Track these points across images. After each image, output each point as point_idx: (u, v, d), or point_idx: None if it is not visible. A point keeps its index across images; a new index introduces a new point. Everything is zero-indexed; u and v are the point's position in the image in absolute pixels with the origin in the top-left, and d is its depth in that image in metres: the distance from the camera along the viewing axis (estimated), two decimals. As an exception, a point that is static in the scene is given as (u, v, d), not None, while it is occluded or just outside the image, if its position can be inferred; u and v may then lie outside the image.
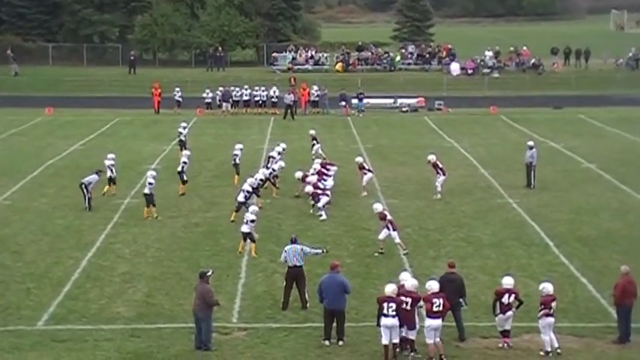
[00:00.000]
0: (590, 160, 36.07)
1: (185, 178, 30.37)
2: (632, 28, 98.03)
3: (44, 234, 25.58)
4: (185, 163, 30.61)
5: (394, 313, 16.73)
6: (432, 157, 29.71)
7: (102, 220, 26.76)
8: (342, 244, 24.35)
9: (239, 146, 32.40)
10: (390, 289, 16.98)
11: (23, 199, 29.93)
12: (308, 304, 19.36)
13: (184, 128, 37.54)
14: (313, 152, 35.42)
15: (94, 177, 28.52)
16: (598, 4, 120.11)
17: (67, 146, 39.81)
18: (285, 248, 19.83)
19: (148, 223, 26.48)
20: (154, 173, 28.03)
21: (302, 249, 19.74)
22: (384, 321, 16.81)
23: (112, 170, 29.85)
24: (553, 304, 17.14)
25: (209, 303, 17.43)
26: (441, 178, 29.31)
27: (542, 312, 17.08)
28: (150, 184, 27.11)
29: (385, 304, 16.79)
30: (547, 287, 17.32)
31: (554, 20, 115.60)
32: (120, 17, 72.01)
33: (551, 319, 17.10)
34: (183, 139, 36.90)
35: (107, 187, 29.74)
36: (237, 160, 31.65)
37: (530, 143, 31.95)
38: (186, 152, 32.17)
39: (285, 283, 19.62)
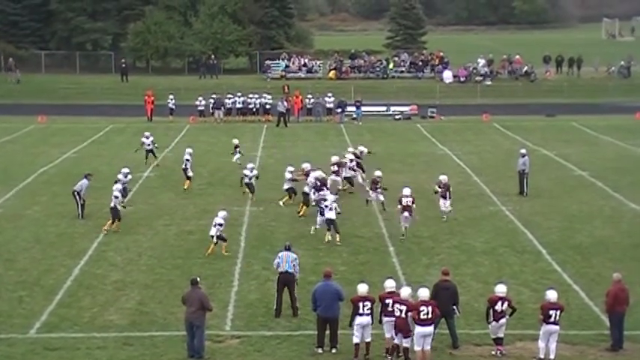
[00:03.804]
0: (583, 168, 36.16)
1: (190, 174, 31.79)
2: (624, 37, 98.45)
3: (36, 242, 25.51)
4: (187, 160, 31.82)
5: (369, 311, 17.15)
6: (443, 178, 28.23)
7: (94, 228, 26.68)
8: (336, 252, 24.33)
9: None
10: (364, 288, 17.31)
11: (16, 206, 29.85)
12: (299, 312, 19.33)
13: (147, 137, 36.99)
14: (233, 160, 35.59)
15: (84, 182, 28.44)
16: (590, 13, 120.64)
17: (59, 154, 39.75)
18: (279, 254, 19.81)
19: (141, 231, 26.44)
20: (119, 187, 27.26)
21: (295, 259, 19.67)
22: (359, 320, 17.14)
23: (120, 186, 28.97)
24: (552, 312, 16.99)
25: (207, 307, 17.45)
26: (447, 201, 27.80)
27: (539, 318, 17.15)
28: (116, 197, 26.39)
29: (360, 304, 17.16)
30: (547, 294, 17.33)
31: (547, 28, 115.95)
32: (113, 25, 71.93)
33: (551, 327, 17.02)
34: (147, 148, 36.50)
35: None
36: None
37: (523, 151, 32.03)
38: (188, 150, 32.84)
39: (276, 290, 19.60)
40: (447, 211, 27.56)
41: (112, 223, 26.28)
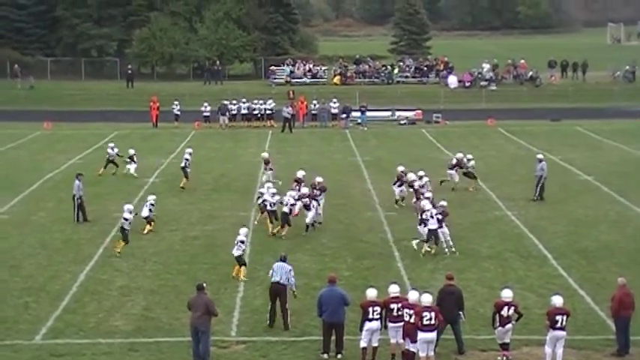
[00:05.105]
0: (588, 173, 36.12)
1: (188, 172, 32.76)
2: (630, 41, 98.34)
3: (42, 248, 25.55)
4: (187, 159, 32.92)
5: (378, 316, 17.20)
6: (443, 203, 25.43)
7: (100, 234, 26.73)
8: (341, 257, 24.34)
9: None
10: (373, 293, 17.34)
11: (21, 212, 29.91)
12: (304, 318, 19.26)
13: (112, 149, 36.29)
14: (130, 171, 35.44)
15: (76, 183, 28.42)
16: (594, 17, 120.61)
17: (65, 160, 39.83)
18: (274, 265, 19.63)
19: (146, 237, 26.45)
20: (130, 207, 25.65)
21: (290, 270, 19.39)
22: (369, 325, 17.16)
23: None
24: (558, 318, 16.93)
25: (212, 313, 17.45)
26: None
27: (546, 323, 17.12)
28: (125, 219, 25.01)
29: (370, 309, 17.18)
30: (553, 299, 17.31)
31: (551, 33, 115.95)
32: (118, 31, 72.06)
33: (558, 333, 16.96)
34: (110, 158, 35.95)
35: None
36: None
37: (540, 156, 32.04)
38: (188, 150, 33.96)
39: (269, 301, 19.28)
40: (449, 242, 24.64)
41: (125, 242, 25.01)
